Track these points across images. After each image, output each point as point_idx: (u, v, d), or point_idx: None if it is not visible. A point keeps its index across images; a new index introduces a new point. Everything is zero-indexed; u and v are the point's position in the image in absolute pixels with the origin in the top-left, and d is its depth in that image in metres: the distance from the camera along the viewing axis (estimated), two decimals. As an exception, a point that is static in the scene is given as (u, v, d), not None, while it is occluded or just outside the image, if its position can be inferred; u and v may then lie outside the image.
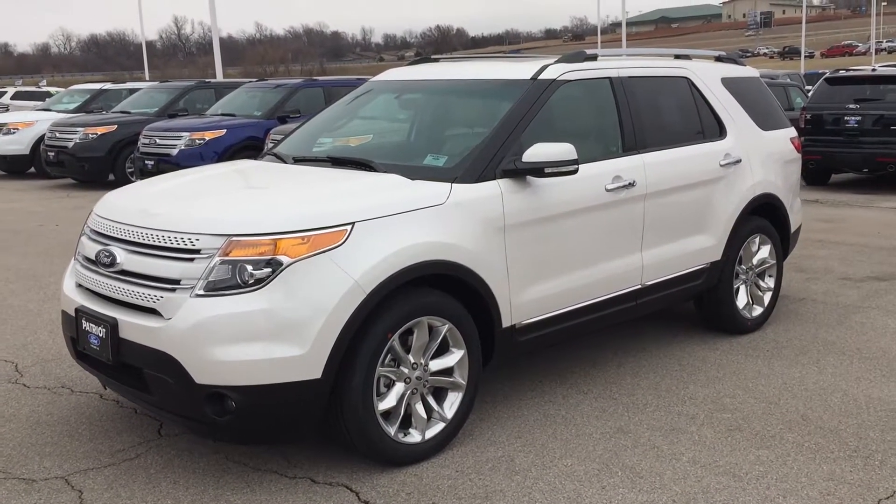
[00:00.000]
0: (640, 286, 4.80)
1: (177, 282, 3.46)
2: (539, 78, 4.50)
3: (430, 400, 3.86)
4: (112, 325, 3.59)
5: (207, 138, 11.88)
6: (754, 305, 5.70)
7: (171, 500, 3.49)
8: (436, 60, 5.45)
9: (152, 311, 3.50)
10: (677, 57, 5.54)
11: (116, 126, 13.85)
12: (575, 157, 4.07)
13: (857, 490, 3.55)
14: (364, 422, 3.57)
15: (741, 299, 5.59)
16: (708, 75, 5.47)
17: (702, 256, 5.20)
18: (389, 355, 3.69)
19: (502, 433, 4.12)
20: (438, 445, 3.88)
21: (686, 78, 5.32)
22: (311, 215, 3.51)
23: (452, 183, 3.93)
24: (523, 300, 4.16)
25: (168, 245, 3.52)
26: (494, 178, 4.05)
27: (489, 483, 3.63)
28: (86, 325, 3.76)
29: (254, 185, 4.14)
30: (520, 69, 4.61)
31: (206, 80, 16.18)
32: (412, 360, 3.75)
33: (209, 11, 18.91)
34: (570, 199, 4.32)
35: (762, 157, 5.63)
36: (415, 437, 3.80)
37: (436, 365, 3.85)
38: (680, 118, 5.27)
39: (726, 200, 5.30)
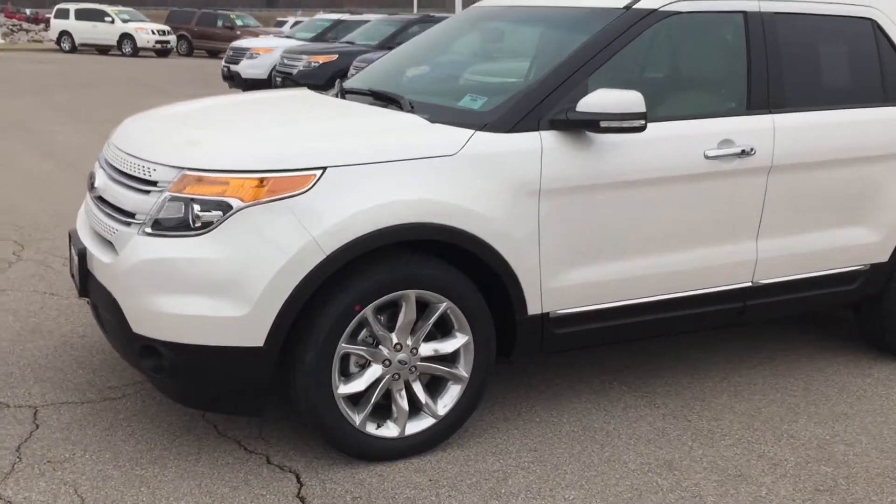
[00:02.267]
0: (750, 284, 3.75)
1: (132, 215, 3.07)
2: (634, 7, 3.54)
3: (418, 390, 3.21)
4: (81, 255, 3.30)
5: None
6: (943, 326, 4.35)
7: (109, 454, 3.17)
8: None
9: (111, 246, 3.16)
10: (862, -9, 4.22)
11: (338, 56, 14.04)
12: (642, 109, 3.15)
13: None
14: (318, 404, 3.01)
15: (920, 316, 4.28)
16: (906, 18, 4.13)
17: (858, 255, 3.99)
18: (365, 331, 3.09)
19: (515, 442, 3.38)
20: (422, 445, 3.23)
21: (870, 19, 4.03)
22: (275, 154, 2.95)
23: (478, 130, 3.18)
24: (562, 284, 3.34)
25: (132, 173, 3.15)
26: (537, 129, 3.24)
27: (454, 503, 2.95)
28: (72, 249, 3.51)
29: (255, 117, 3.62)
30: (618, -4, 3.68)
31: (431, 15, 15.93)
32: (395, 341, 3.11)
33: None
34: (645, 164, 3.39)
35: (978, 132, 4.20)
36: (391, 430, 3.18)
37: (428, 349, 3.19)
38: (849, 72, 4.02)
39: (904, 185, 4.01)
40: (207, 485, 3.00)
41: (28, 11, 55.37)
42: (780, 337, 4.57)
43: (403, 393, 3.18)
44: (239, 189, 2.89)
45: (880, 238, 4.01)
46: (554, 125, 3.25)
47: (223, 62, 17.12)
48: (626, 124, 3.15)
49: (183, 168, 2.97)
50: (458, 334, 3.22)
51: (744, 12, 3.71)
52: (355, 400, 3.13)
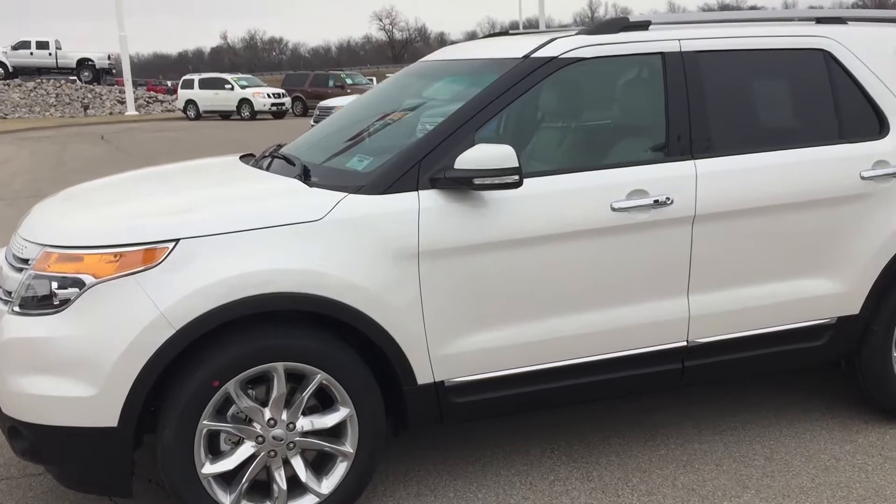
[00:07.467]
0: (685, 343, 3.43)
1: (10, 293, 3.10)
2: (533, 56, 3.36)
3: (298, 466, 3.06)
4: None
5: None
6: (949, 383, 3.84)
7: (-1, 532, 3.19)
8: (505, 33, 4.38)
9: (-4, 325, 3.20)
10: (821, 21, 3.84)
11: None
12: (515, 164, 2.95)
13: None
14: (178, 484, 2.92)
15: (916, 373, 3.79)
16: (869, 46, 3.72)
17: (821, 307, 3.58)
18: (234, 406, 2.98)
19: (412, 521, 3.18)
20: (306, 525, 3.08)
21: (823, 50, 3.66)
22: (127, 228, 2.92)
23: (351, 193, 3.06)
24: (455, 351, 3.14)
25: (16, 254, 3.19)
26: (416, 189, 3.09)
27: (315, 591, 2.77)
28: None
29: (137, 190, 3.60)
30: (527, 44, 3.50)
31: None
32: (268, 416, 3.00)
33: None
34: (540, 220, 3.15)
35: (966, 165, 3.72)
36: (268, 511, 3.05)
37: (307, 423, 3.05)
38: (795, 109, 3.67)
39: (872, 228, 3.58)
40: (75, 566, 2.95)
41: (169, 83, 59.15)
42: (762, 398, 4.15)
43: (282, 471, 3.04)
44: (92, 265, 2.87)
45: (846, 288, 3.59)
46: (434, 184, 3.09)
47: (311, 121, 17.64)
48: (498, 180, 2.96)
49: (44, 245, 2.98)
50: (339, 407, 3.07)
51: (662, 53, 3.44)
52: (226, 479, 3.02)
